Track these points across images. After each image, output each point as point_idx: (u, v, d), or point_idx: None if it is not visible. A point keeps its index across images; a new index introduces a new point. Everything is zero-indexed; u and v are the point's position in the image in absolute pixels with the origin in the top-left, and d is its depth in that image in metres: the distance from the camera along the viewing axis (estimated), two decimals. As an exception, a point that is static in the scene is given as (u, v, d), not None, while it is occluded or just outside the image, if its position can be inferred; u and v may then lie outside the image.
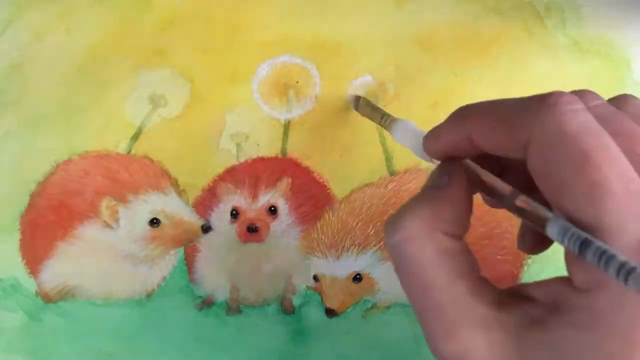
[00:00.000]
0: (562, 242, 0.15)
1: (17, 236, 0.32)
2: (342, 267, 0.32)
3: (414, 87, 0.33)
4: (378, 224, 0.32)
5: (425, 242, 0.18)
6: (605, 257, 0.14)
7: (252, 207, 0.32)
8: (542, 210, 0.17)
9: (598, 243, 0.14)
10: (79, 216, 0.32)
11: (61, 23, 0.34)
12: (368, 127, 0.33)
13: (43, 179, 0.32)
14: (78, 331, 0.31)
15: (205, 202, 0.32)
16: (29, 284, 0.32)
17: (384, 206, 0.32)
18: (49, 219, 0.32)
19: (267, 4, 0.33)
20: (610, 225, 0.15)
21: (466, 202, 0.19)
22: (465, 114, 0.19)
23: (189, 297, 0.32)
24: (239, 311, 0.32)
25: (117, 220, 0.32)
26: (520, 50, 0.33)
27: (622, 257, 0.13)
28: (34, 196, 0.32)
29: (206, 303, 0.32)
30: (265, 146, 0.33)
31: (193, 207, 0.32)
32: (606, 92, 0.35)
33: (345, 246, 0.32)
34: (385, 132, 0.33)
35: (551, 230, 0.16)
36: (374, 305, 0.32)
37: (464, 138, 0.19)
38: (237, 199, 0.32)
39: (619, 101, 0.18)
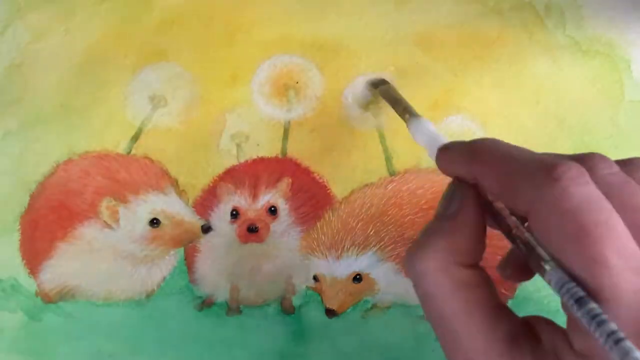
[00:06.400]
0: (558, 293, 0.16)
1: (17, 236, 0.32)
2: (342, 267, 0.31)
3: (414, 87, 0.33)
4: (378, 224, 0.32)
5: (441, 277, 0.18)
6: (597, 321, 0.14)
7: (252, 207, 0.32)
8: (543, 255, 0.17)
9: (592, 305, 0.15)
10: (79, 216, 0.32)
11: (61, 23, 0.34)
12: (368, 127, 0.33)
13: (43, 179, 0.32)
14: (78, 331, 0.31)
15: (205, 202, 0.32)
16: (29, 284, 0.32)
17: (384, 206, 0.32)
18: (49, 219, 0.32)
19: (267, 4, 0.33)
20: (608, 298, 0.15)
21: (479, 229, 0.19)
22: (474, 156, 0.19)
23: (189, 297, 0.32)
24: (239, 311, 0.32)
25: (117, 220, 0.32)
26: (520, 51, 0.33)
27: (612, 325, 0.14)
28: (34, 196, 0.32)
29: (206, 303, 0.32)
30: (266, 146, 0.33)
31: (193, 207, 0.32)
32: (606, 92, 0.35)
33: (345, 246, 0.32)
34: (386, 132, 0.33)
35: (549, 278, 0.16)
36: (374, 306, 0.32)
37: (472, 176, 0.19)
38: (237, 199, 0.32)
39: (632, 166, 0.18)
